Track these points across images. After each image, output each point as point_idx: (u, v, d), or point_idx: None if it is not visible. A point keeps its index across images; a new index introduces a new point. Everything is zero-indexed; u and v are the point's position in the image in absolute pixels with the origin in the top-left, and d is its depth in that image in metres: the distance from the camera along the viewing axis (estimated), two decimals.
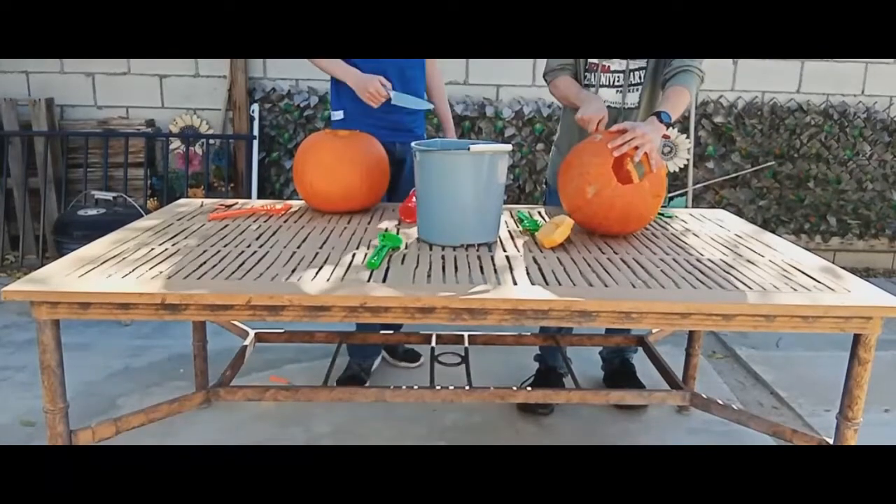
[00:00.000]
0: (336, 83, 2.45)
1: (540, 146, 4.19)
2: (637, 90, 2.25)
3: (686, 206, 4.01)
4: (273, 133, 4.17)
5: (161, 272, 1.59)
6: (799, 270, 1.76)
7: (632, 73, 2.24)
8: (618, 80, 2.25)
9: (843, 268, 1.87)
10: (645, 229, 2.13)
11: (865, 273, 4.42)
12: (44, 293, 1.47)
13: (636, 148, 1.90)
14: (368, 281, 1.57)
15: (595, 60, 2.26)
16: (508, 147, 1.88)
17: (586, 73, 2.29)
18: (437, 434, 2.36)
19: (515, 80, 4.21)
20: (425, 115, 2.64)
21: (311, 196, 2.19)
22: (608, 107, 2.23)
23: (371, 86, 2.29)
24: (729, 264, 1.79)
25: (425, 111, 2.52)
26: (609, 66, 2.24)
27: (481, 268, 1.69)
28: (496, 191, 1.86)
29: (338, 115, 2.50)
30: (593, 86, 2.27)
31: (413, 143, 1.89)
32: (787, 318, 1.54)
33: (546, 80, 2.35)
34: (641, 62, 2.23)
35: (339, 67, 2.37)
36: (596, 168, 1.90)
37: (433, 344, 2.42)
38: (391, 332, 2.54)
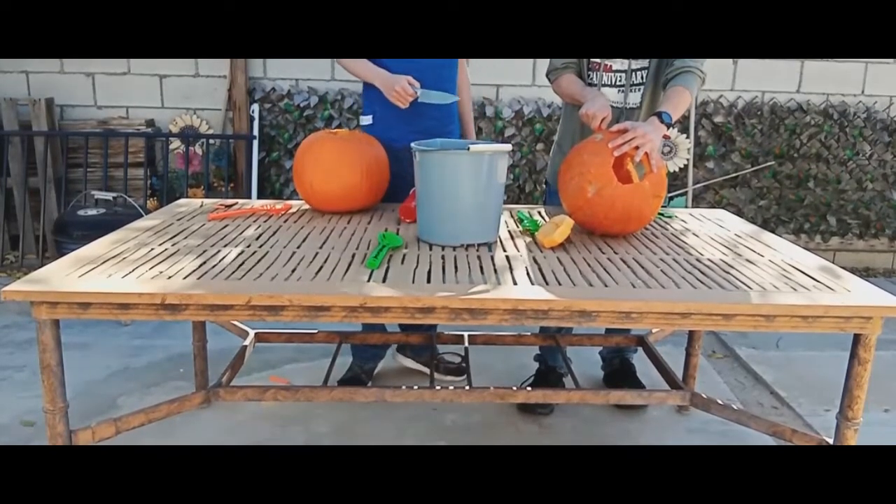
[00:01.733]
0: (367, 87, 2.37)
1: (540, 146, 4.19)
2: (639, 90, 2.25)
3: (686, 206, 4.01)
4: (273, 133, 4.17)
5: (161, 272, 1.59)
6: (799, 270, 1.76)
7: (634, 73, 2.24)
8: (620, 80, 2.25)
9: (843, 268, 1.87)
10: (645, 229, 2.13)
11: (865, 273, 4.42)
12: (44, 293, 1.47)
13: (637, 148, 1.90)
14: (368, 281, 1.57)
15: (597, 60, 2.26)
16: (508, 147, 1.88)
17: (589, 73, 2.29)
18: (437, 434, 2.36)
19: (515, 80, 4.21)
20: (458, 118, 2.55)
21: (311, 196, 2.19)
22: (610, 106, 2.23)
23: (397, 85, 2.20)
24: (729, 264, 1.79)
25: (448, 108, 2.40)
26: (611, 66, 2.24)
27: (481, 268, 1.69)
28: (496, 191, 1.86)
29: (366, 119, 2.39)
30: (595, 85, 2.27)
31: (413, 144, 1.89)
32: (787, 318, 1.54)
33: (549, 79, 2.34)
34: (643, 62, 2.23)
35: (367, 69, 2.28)
36: (596, 168, 1.90)
37: (433, 344, 2.42)
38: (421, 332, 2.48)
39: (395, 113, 2.29)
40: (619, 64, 2.24)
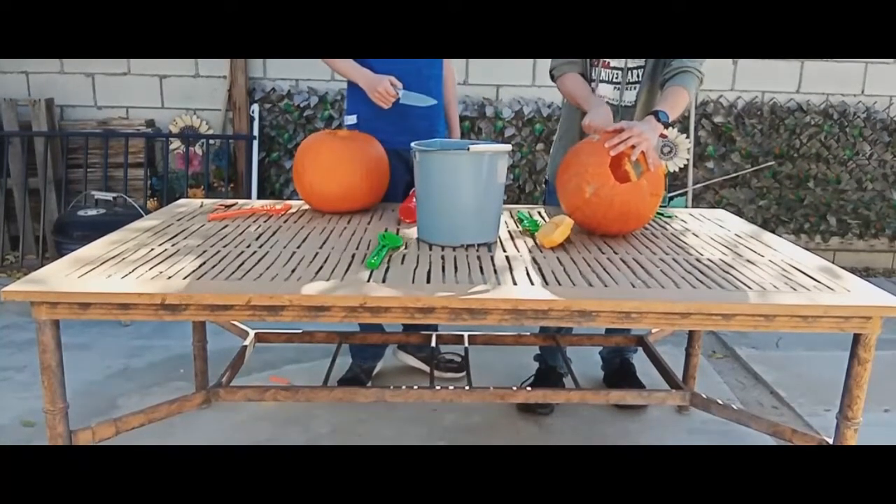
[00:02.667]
0: (351, 86, 2.38)
1: (540, 146, 4.19)
2: (634, 88, 2.26)
3: (686, 206, 4.01)
4: (273, 133, 4.17)
5: (161, 272, 1.59)
6: (798, 270, 1.76)
7: (630, 72, 2.24)
8: (616, 77, 2.25)
9: (843, 268, 1.87)
10: (645, 229, 2.13)
11: (865, 273, 4.42)
12: (43, 293, 1.47)
13: (633, 147, 1.90)
14: (368, 281, 1.57)
15: None
16: (508, 147, 1.88)
17: (591, 68, 2.29)
18: (437, 434, 2.36)
19: (515, 80, 4.21)
20: (444, 118, 2.56)
21: (311, 196, 2.19)
22: (606, 103, 2.24)
23: (380, 86, 2.22)
24: (729, 264, 1.79)
25: (434, 108, 2.40)
26: (609, 62, 2.25)
27: (481, 268, 1.69)
28: (496, 191, 1.87)
29: (350, 119, 2.41)
30: (593, 80, 2.28)
31: (413, 144, 1.89)
32: (787, 318, 1.54)
33: (553, 75, 2.34)
34: (640, 61, 2.23)
35: (351, 68, 2.29)
36: (593, 168, 1.90)
37: (433, 344, 2.42)
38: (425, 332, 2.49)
39: (380, 113, 2.30)
40: (615, 61, 2.24)
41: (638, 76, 2.24)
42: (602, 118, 2.06)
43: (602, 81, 2.26)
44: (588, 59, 2.29)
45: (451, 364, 2.75)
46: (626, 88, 2.25)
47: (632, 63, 2.23)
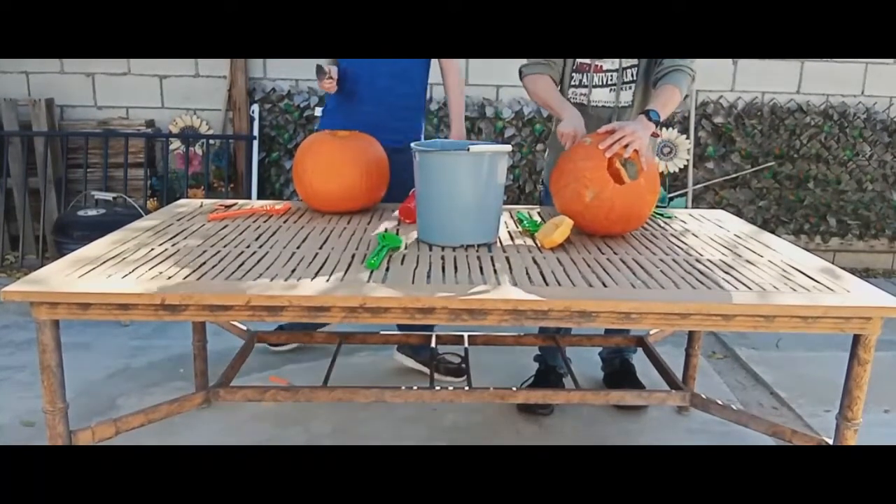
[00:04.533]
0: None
1: (540, 146, 4.19)
2: (630, 88, 2.25)
3: (686, 207, 4.01)
4: (273, 133, 4.17)
5: (161, 272, 1.59)
6: (798, 271, 1.76)
7: (625, 72, 2.24)
8: (611, 79, 2.25)
9: (843, 268, 1.87)
10: (644, 229, 2.13)
11: (865, 273, 4.42)
12: (43, 293, 1.47)
13: (626, 146, 1.90)
14: (368, 281, 1.57)
15: (587, 61, 2.26)
16: (508, 147, 1.88)
17: (574, 74, 2.28)
18: (437, 434, 2.36)
19: (515, 81, 4.14)
20: (425, 114, 2.62)
21: (311, 196, 2.19)
22: (602, 107, 2.23)
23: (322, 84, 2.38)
24: (728, 264, 1.79)
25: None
26: (601, 66, 2.24)
27: (481, 268, 1.69)
28: (496, 191, 1.87)
29: (320, 110, 2.60)
30: (585, 86, 2.27)
31: (413, 144, 1.89)
32: (787, 319, 1.54)
33: (522, 73, 2.33)
34: (634, 60, 2.23)
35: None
36: (591, 172, 1.90)
37: (433, 344, 2.42)
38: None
39: (344, 106, 2.47)
40: (609, 64, 2.24)
41: (633, 75, 2.24)
42: (577, 125, 2.07)
43: (596, 86, 2.26)
44: (573, 67, 2.27)
45: (450, 366, 2.75)
46: (622, 88, 2.25)
47: (626, 62, 2.23)
